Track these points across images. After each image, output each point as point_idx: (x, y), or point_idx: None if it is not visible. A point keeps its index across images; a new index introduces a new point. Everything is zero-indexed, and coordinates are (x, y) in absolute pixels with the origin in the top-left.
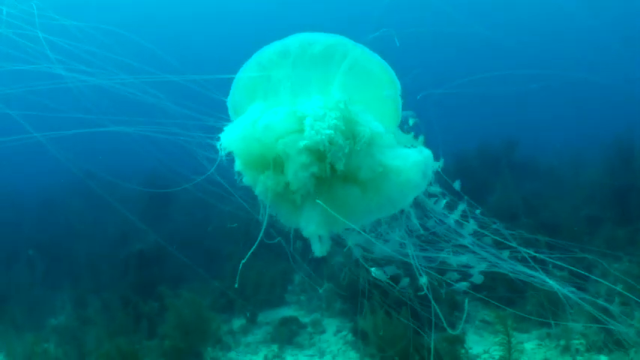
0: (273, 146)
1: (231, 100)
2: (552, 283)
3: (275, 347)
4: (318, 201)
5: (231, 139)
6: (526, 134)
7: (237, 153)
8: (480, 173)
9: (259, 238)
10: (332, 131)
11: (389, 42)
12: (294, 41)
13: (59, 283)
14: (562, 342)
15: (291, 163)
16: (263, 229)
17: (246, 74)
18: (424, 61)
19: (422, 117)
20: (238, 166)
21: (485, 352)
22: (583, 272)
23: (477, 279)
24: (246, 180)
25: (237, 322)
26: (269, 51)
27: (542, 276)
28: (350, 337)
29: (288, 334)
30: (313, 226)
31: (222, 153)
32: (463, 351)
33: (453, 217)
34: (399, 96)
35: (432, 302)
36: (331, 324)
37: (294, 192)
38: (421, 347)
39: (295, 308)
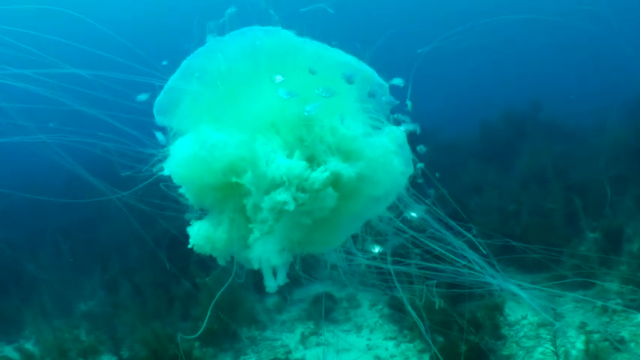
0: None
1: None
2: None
3: (311, 324)
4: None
5: (183, 173)
6: (549, 97)
7: (187, 187)
8: (505, 137)
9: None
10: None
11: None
12: (241, 42)
13: (87, 269)
14: (599, 303)
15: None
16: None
17: (181, 86)
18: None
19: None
20: (187, 195)
21: (523, 317)
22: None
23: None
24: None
25: (271, 300)
26: (208, 54)
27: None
28: (386, 310)
29: (323, 310)
30: (274, 252)
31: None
32: (502, 318)
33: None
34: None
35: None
36: (366, 298)
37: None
38: (460, 316)
39: (328, 283)
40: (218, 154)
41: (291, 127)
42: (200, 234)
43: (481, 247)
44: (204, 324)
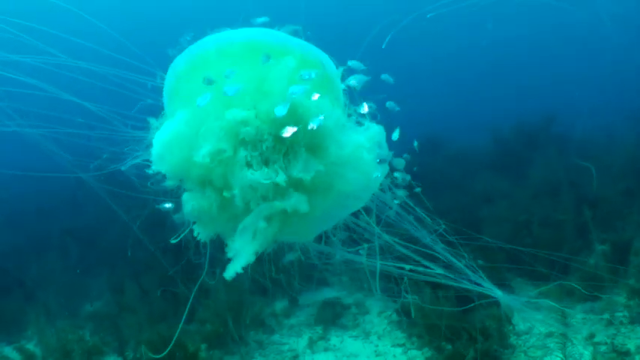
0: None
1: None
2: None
3: (319, 329)
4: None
5: (166, 161)
6: (559, 109)
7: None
8: (517, 148)
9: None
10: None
11: None
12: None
13: (93, 270)
14: (606, 315)
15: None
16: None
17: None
18: None
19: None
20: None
21: (531, 327)
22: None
23: None
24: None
25: (279, 305)
26: (204, 49)
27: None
28: (394, 317)
29: (331, 315)
30: (249, 244)
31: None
32: (510, 327)
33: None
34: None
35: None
36: (374, 304)
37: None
38: (468, 326)
39: (337, 289)
40: (203, 155)
41: (267, 113)
42: (192, 207)
43: (465, 251)
44: (185, 314)
